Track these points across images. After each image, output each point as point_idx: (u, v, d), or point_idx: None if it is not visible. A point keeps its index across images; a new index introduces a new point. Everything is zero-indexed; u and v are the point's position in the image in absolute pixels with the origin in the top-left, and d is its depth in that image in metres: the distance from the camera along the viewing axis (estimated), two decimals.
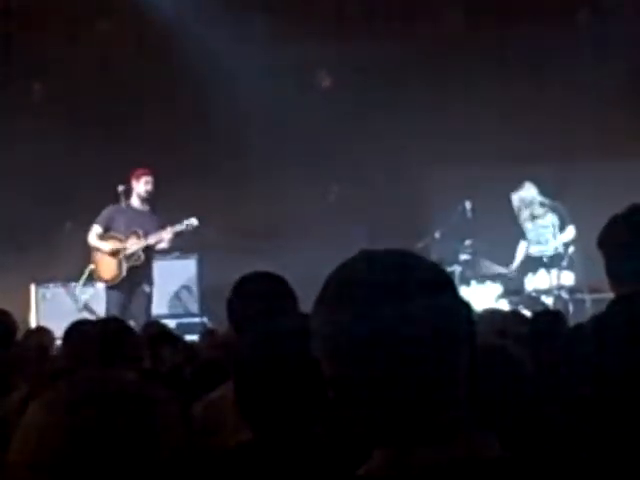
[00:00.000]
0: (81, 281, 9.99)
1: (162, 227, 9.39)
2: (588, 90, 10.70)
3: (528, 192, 9.84)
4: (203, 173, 11.15)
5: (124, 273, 9.34)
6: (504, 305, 9.31)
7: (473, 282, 9.97)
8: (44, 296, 10.69)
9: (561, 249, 9.68)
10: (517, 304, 9.44)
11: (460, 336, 1.52)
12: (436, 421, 1.50)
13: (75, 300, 10.25)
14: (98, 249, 9.46)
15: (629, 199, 3.25)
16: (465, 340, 1.52)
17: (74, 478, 1.50)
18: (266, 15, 11.00)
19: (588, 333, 3.02)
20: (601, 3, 11.17)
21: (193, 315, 10.73)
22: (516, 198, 9.93)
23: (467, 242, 9.91)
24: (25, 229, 10.99)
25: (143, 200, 9.47)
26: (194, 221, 9.41)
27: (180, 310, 10.77)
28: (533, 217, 9.87)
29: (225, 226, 10.97)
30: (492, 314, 5.10)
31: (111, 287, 9.43)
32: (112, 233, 9.47)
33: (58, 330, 5.50)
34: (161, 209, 9.62)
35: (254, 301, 3.40)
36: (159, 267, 10.12)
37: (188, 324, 10.39)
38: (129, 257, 9.36)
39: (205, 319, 10.41)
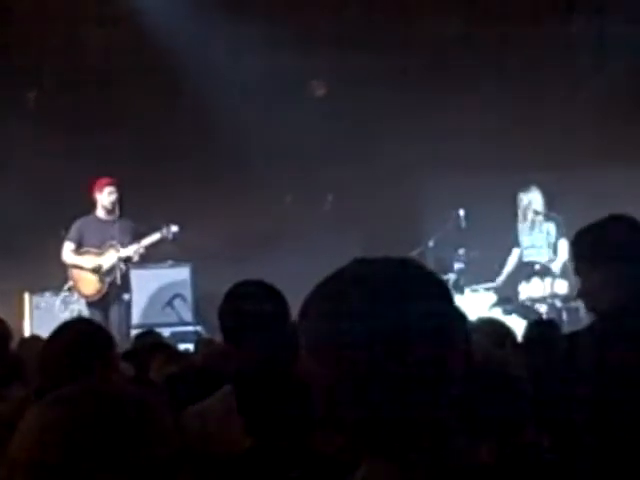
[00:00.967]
0: (59, 299, 9.99)
1: (137, 234, 9.40)
2: (585, 97, 10.72)
3: (534, 195, 9.84)
4: (198, 182, 11.14)
5: (106, 287, 9.33)
6: (498, 314, 9.32)
7: (467, 290, 9.99)
8: (38, 305, 10.67)
9: (554, 258, 9.70)
10: (511, 312, 9.45)
11: (455, 344, 1.52)
12: (426, 429, 1.50)
13: (67, 308, 10.24)
14: (76, 266, 9.45)
15: (627, 206, 3.27)
16: (460, 348, 1.53)
17: (71, 478, 1.52)
18: (262, 25, 11.01)
19: (584, 342, 3.03)
20: (602, 6, 11.17)
21: (187, 324, 10.71)
22: (524, 198, 9.90)
23: (461, 251, 9.92)
24: (19, 237, 10.97)
25: (109, 211, 9.44)
26: (174, 227, 9.43)
27: (174, 319, 10.75)
28: (532, 222, 9.87)
29: (220, 235, 10.97)
30: (491, 324, 5.09)
31: (91, 303, 9.42)
32: (86, 248, 9.46)
33: None
34: (156, 218, 9.62)
35: (244, 310, 3.41)
36: (152, 276, 10.13)
37: (182, 333, 10.38)
38: (110, 271, 9.34)
39: (199, 328, 10.39)
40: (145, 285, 9.82)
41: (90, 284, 9.42)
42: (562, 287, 9.53)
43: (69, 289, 9.87)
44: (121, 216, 9.54)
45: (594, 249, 3.13)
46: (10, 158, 10.94)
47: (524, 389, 2.65)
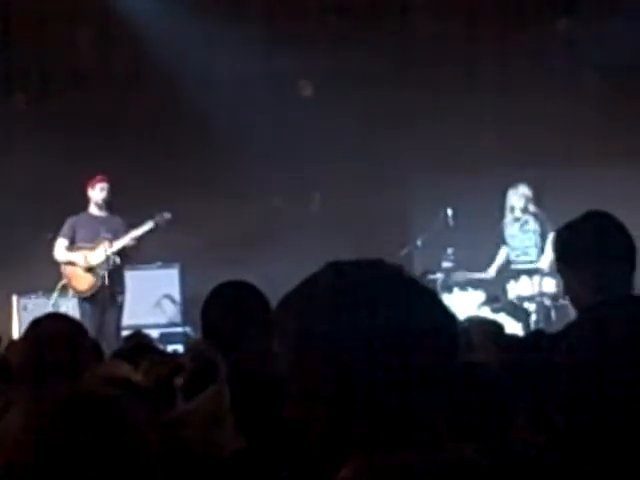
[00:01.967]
0: (52, 299, 9.96)
1: (128, 230, 9.45)
2: (581, 94, 10.74)
3: (522, 193, 9.82)
4: (186, 184, 11.13)
5: (100, 281, 9.34)
6: (486, 312, 9.33)
7: (455, 289, 9.99)
8: (25, 307, 10.64)
9: (542, 256, 9.70)
10: (499, 311, 9.46)
11: (444, 344, 1.53)
12: (415, 425, 1.50)
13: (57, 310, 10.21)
14: (69, 262, 9.47)
15: (620, 204, 3.30)
16: (449, 348, 1.53)
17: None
18: (254, 25, 11.03)
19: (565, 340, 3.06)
20: (602, 3, 11.19)
21: (176, 325, 10.71)
22: (512, 196, 9.88)
23: (449, 250, 9.92)
24: (6, 240, 10.94)
25: (100, 207, 9.53)
26: (166, 215, 9.49)
27: (163, 320, 10.75)
28: (520, 220, 9.86)
29: (208, 236, 10.96)
30: (481, 324, 5.09)
31: (85, 299, 9.41)
32: (79, 244, 9.49)
33: None
34: (143, 220, 9.62)
35: (224, 310, 3.46)
36: (141, 277, 10.12)
37: (171, 334, 10.38)
38: (103, 263, 9.36)
39: (188, 329, 10.39)
40: (134, 286, 9.80)
41: (84, 279, 9.43)
42: (550, 285, 9.53)
43: (63, 287, 9.84)
44: (112, 213, 9.60)
45: (568, 249, 3.18)
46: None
47: (507, 388, 2.66)
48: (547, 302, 9.55)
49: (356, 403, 1.50)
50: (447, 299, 9.42)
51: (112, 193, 9.57)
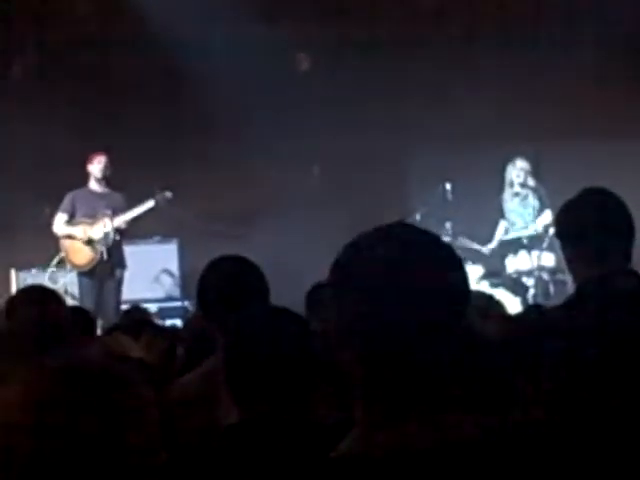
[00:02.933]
0: (48, 272, 9.97)
1: (128, 206, 9.47)
2: (579, 68, 10.69)
3: (521, 167, 9.81)
4: (184, 157, 11.11)
5: (99, 256, 9.35)
6: (485, 287, 9.33)
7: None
8: (25, 281, 10.64)
9: (541, 231, 9.70)
10: (498, 285, 9.47)
11: (461, 313, 1.55)
12: (416, 391, 1.50)
13: (55, 284, 10.21)
14: (69, 236, 9.48)
15: (618, 179, 3.31)
16: (461, 308, 1.55)
17: (41, 459, 1.51)
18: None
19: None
20: None
21: (175, 299, 10.72)
22: (511, 170, 9.86)
23: (447, 224, 9.91)
24: (4, 214, 10.93)
25: (99, 181, 9.53)
26: (167, 194, 9.50)
27: (161, 294, 10.76)
28: (519, 194, 9.85)
29: (207, 210, 10.95)
30: (478, 298, 5.09)
31: (84, 273, 9.43)
32: (79, 219, 9.50)
33: None
34: (142, 192, 9.61)
35: (220, 284, 3.47)
36: (140, 251, 10.12)
37: (170, 308, 10.40)
38: (102, 239, 9.36)
39: (187, 303, 10.40)
40: (132, 260, 9.80)
41: (83, 254, 9.44)
42: (549, 260, 9.54)
43: (60, 261, 9.86)
44: (112, 189, 9.59)
45: (568, 225, 3.21)
46: None
47: (507, 360, 2.66)
48: (546, 276, 9.55)
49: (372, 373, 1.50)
50: None
51: (111, 166, 9.56)
